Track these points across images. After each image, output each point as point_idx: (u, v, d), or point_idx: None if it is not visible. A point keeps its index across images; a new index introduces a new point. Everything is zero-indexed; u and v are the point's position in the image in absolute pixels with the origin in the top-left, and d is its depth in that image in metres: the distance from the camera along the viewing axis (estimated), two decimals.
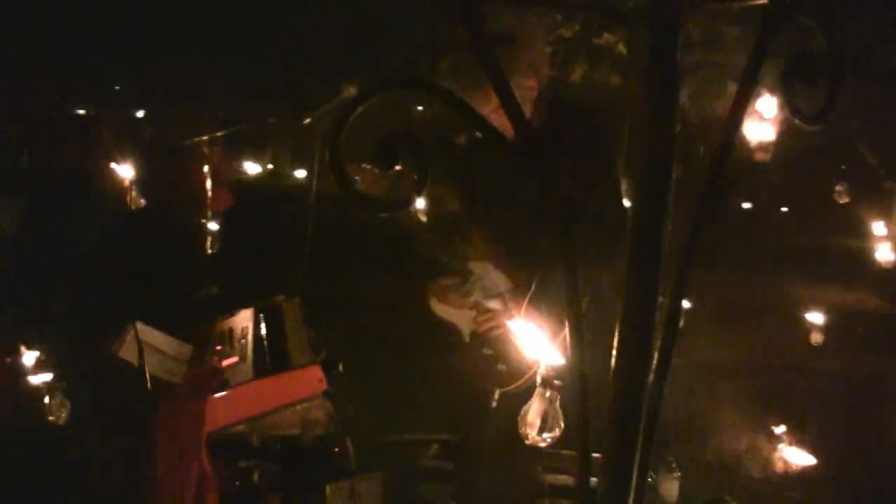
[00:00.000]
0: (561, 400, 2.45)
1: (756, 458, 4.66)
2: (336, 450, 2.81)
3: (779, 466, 4.50)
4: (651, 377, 1.05)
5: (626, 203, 4.45)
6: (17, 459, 3.44)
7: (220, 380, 2.69)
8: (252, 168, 8.95)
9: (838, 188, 4.39)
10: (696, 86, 5.04)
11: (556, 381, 1.48)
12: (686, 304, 5.69)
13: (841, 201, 4.43)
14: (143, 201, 3.68)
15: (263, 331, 3.23)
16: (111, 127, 8.03)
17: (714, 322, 6.61)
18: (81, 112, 9.47)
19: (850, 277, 5.72)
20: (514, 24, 2.78)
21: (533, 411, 1.51)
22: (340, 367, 3.63)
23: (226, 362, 2.86)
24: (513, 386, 2.84)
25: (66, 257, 7.01)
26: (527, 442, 1.51)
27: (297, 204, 5.73)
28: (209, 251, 4.75)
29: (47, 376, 2.59)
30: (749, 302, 6.51)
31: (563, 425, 1.54)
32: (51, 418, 2.56)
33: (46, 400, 2.54)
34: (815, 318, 4.57)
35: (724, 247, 6.87)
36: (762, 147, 5.30)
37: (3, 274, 4.45)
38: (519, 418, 1.52)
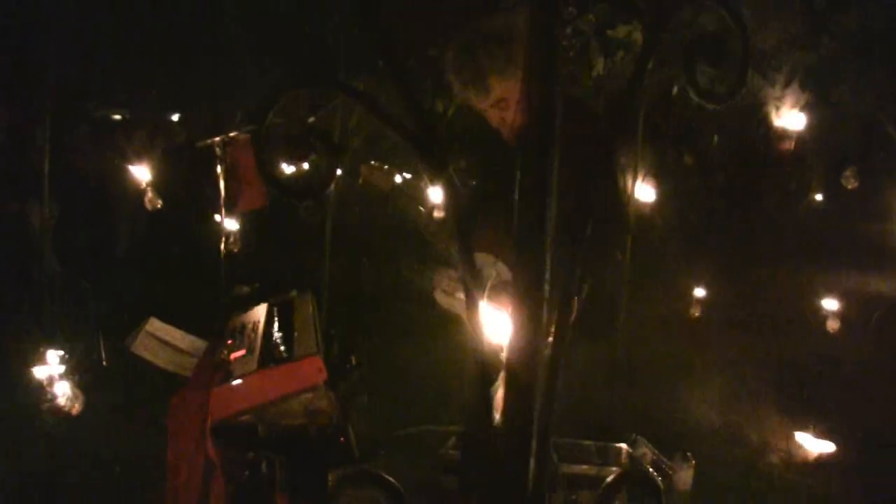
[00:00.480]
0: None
1: (776, 446, 4.64)
2: (342, 440, 2.87)
3: (799, 455, 4.49)
4: (547, 351, 1.10)
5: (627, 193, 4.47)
6: (33, 452, 3.57)
7: (226, 372, 2.77)
8: (288, 168, 9.09)
9: (847, 173, 4.35)
10: (713, 73, 4.97)
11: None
12: (701, 292, 5.70)
13: (849, 187, 4.39)
14: (159, 203, 3.76)
15: (273, 325, 3.34)
16: (143, 130, 8.24)
17: (736, 312, 6.61)
18: (117, 116, 9.70)
19: (870, 263, 5.70)
20: (513, 22, 2.81)
21: (500, 395, 1.54)
22: (354, 360, 3.72)
23: (234, 356, 2.94)
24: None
25: (96, 258, 7.22)
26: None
27: (319, 202, 5.84)
28: (232, 250, 4.85)
29: (60, 368, 2.67)
30: (770, 291, 6.50)
31: None
32: (64, 409, 2.65)
33: (59, 392, 2.62)
34: (831, 304, 4.52)
35: (747, 238, 6.90)
36: (787, 136, 5.26)
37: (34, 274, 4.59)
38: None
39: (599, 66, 5.28)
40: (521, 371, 1.10)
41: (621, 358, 5.00)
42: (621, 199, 2.99)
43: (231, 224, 4.96)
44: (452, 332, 3.24)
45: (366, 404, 3.76)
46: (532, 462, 1.10)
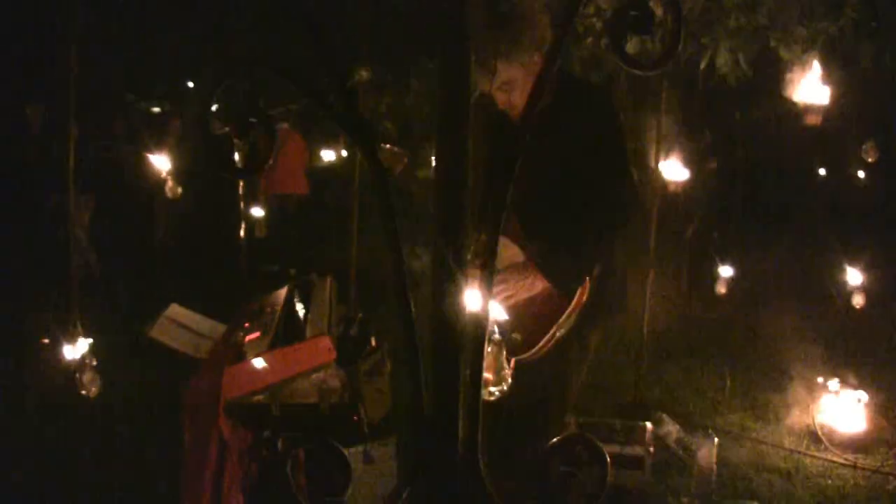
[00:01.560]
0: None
1: (804, 422, 4.61)
2: (355, 418, 2.92)
3: (829, 431, 4.45)
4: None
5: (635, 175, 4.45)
6: (54, 433, 3.69)
7: (239, 353, 2.83)
8: (328, 155, 9.18)
9: (866, 146, 4.27)
10: (735, 49, 4.94)
11: (496, 336, 1.54)
12: (727, 270, 5.65)
13: (869, 159, 4.31)
14: (180, 191, 3.83)
15: (289, 307, 3.40)
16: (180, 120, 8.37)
17: (763, 289, 6.55)
18: (156, 109, 9.84)
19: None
20: (519, 3, 2.82)
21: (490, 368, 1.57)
22: (373, 341, 3.78)
23: (249, 337, 3.00)
24: (527, 354, 2.88)
25: (133, 248, 7.37)
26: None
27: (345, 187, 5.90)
28: (259, 236, 4.95)
29: (79, 351, 2.76)
30: (796, 267, 6.43)
31: (510, 380, 1.60)
32: (83, 392, 2.73)
33: (77, 375, 2.71)
34: (856, 280, 4.46)
35: (772, 215, 6.83)
36: (815, 111, 5.17)
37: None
38: None
39: (631, 43, 5.24)
40: (446, 339, 1.12)
41: (648, 337, 4.99)
42: (632, 181, 2.97)
43: (257, 211, 5.06)
44: None
45: (384, 384, 3.83)
46: (461, 427, 1.13)
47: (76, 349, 2.77)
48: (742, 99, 5.99)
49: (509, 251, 2.97)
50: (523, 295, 2.85)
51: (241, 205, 3.94)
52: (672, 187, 5.17)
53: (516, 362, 2.96)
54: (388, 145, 3.09)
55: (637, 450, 3.98)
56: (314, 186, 8.21)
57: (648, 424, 4.14)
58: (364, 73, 3.05)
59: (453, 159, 1.13)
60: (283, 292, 3.62)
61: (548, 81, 1.16)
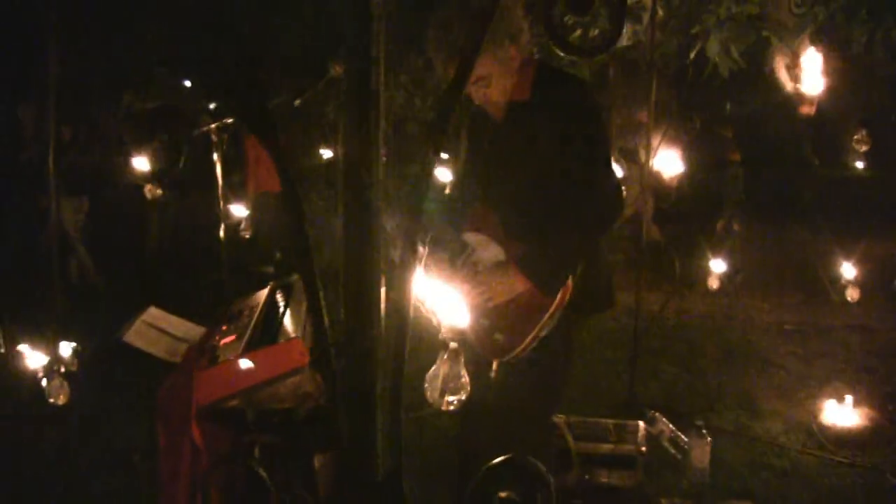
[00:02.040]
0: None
1: (802, 420, 4.54)
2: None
3: (827, 428, 4.38)
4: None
5: (617, 169, 4.37)
6: (28, 441, 3.63)
7: (212, 357, 2.76)
8: (326, 153, 9.10)
9: (857, 136, 4.19)
10: (727, 39, 4.85)
11: (452, 344, 1.47)
12: (721, 265, 5.57)
13: (861, 149, 4.22)
14: (159, 192, 3.77)
15: (267, 310, 3.32)
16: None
17: (758, 281, 6.47)
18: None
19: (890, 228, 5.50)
20: None
21: (436, 374, 1.50)
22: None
23: (224, 341, 2.93)
24: (510, 356, 2.82)
25: (127, 251, 7.31)
26: (432, 406, 1.50)
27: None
28: (243, 236, 4.86)
29: (44, 359, 2.69)
30: (796, 260, 6.35)
31: (469, 389, 1.53)
32: (50, 400, 2.67)
33: (45, 382, 2.64)
34: (849, 272, 4.37)
35: (764, 207, 6.73)
36: (809, 101, 5.10)
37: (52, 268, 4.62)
38: (425, 382, 1.51)
39: (626, 35, 5.16)
40: (358, 343, 1.05)
41: (641, 333, 4.92)
42: (614, 176, 2.88)
43: (240, 210, 4.97)
44: None
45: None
46: (379, 442, 1.06)
47: (43, 355, 2.70)
48: (734, 89, 5.91)
49: (490, 251, 2.91)
50: (503, 297, 2.79)
51: (221, 204, 3.84)
52: (664, 181, 5.10)
53: (499, 364, 2.91)
54: None
55: (629, 449, 3.92)
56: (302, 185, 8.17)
57: (641, 423, 4.07)
58: (338, 69, 2.96)
59: (362, 151, 1.06)
60: (263, 294, 3.55)
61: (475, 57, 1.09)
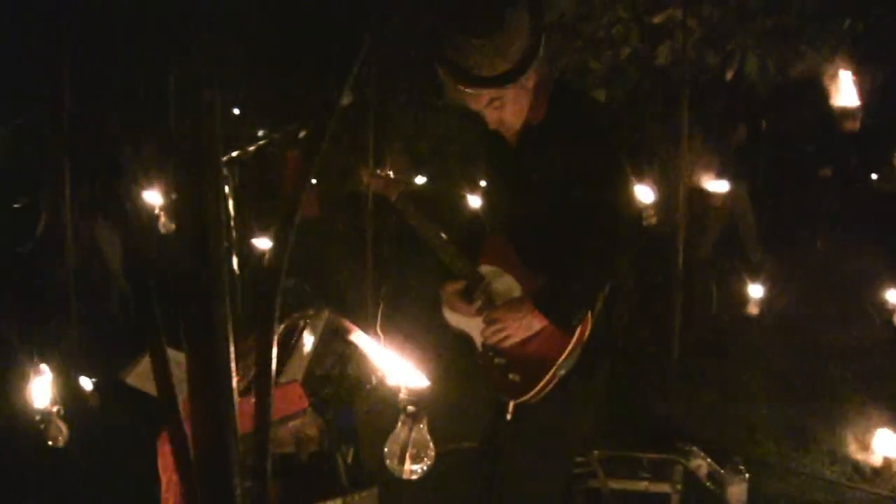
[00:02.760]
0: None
1: (847, 452, 4.30)
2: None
3: (876, 460, 4.15)
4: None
5: (648, 191, 4.19)
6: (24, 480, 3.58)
7: None
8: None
9: None
10: (764, 54, 4.66)
11: (410, 408, 1.35)
12: (759, 291, 5.35)
13: None
14: (173, 226, 3.72)
15: (280, 348, 3.24)
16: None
17: (795, 305, 6.21)
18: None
19: None
20: (501, 15, 2.61)
21: (398, 441, 1.39)
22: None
23: None
24: (526, 397, 2.68)
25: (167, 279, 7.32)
26: (394, 474, 1.39)
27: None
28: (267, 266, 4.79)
29: (43, 401, 2.65)
30: (830, 281, 6.10)
31: (432, 454, 1.41)
32: (49, 443, 2.62)
33: (44, 426, 2.60)
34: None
35: (803, 227, 6.51)
36: (850, 115, 4.88)
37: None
38: (385, 447, 1.40)
39: (663, 53, 5.02)
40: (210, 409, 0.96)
41: (676, 362, 4.76)
42: (630, 203, 2.72)
43: (263, 243, 4.92)
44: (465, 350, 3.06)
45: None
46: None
47: (45, 395, 2.66)
48: (772, 105, 5.71)
49: (505, 283, 2.78)
50: (520, 335, 2.65)
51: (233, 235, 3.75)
52: (701, 199, 4.93)
53: (516, 405, 2.78)
54: (382, 172, 2.93)
55: (664, 487, 3.76)
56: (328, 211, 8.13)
57: (678, 458, 3.90)
58: (346, 98, 2.86)
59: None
60: (281, 328, 3.47)
61: None
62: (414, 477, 1.41)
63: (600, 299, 2.70)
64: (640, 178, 4.15)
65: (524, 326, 2.63)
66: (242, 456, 2.38)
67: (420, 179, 9.02)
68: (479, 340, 2.81)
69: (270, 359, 1.09)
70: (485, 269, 2.84)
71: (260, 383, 1.10)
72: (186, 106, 0.98)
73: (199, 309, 1.00)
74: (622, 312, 2.88)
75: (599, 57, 4.96)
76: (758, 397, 5.07)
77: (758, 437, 4.61)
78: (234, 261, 3.83)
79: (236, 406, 1.00)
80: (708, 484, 4.02)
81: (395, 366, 1.38)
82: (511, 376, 2.71)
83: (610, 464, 3.83)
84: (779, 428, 4.70)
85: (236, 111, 7.62)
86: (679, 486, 3.75)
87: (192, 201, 1.00)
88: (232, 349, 1.05)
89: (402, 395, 1.37)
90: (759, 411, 4.89)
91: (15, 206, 6.75)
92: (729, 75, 4.86)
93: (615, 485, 3.76)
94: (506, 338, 2.67)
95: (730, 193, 5.75)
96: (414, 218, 2.85)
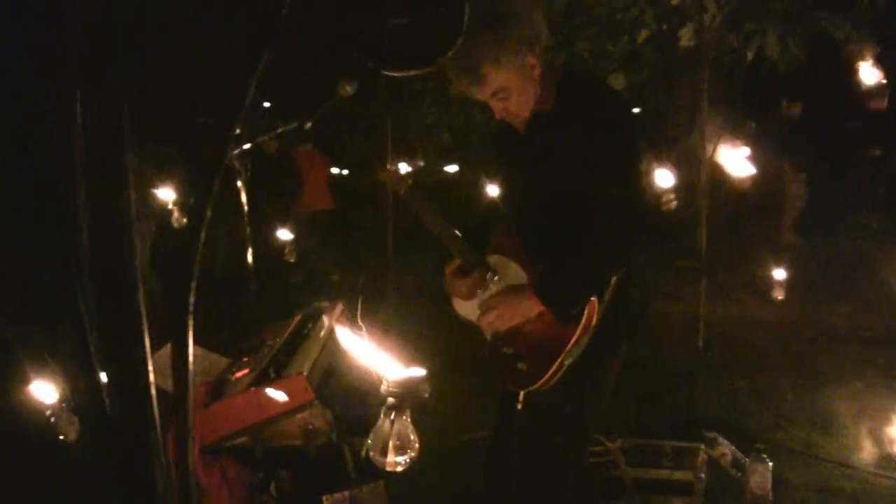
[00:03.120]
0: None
1: (876, 438, 4.20)
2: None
3: None
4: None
5: (669, 174, 4.11)
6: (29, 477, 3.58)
7: (217, 393, 2.69)
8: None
9: None
10: (784, 34, 4.54)
11: (391, 399, 1.33)
12: (782, 273, 5.23)
13: None
14: (185, 220, 3.71)
15: (285, 341, 3.22)
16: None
17: (827, 290, 6.09)
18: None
19: None
20: (506, 4, 2.56)
21: (380, 433, 1.36)
22: None
23: (237, 375, 2.86)
24: (535, 386, 2.64)
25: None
26: (383, 468, 1.36)
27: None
28: (288, 260, 4.83)
29: (51, 396, 2.66)
30: (869, 264, 5.95)
31: (416, 446, 1.38)
32: (60, 437, 2.63)
33: (53, 420, 2.61)
34: None
35: (834, 211, 6.35)
36: (878, 93, 4.75)
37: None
38: (368, 439, 1.37)
39: (687, 35, 4.92)
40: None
41: (703, 348, 4.67)
42: (639, 194, 2.66)
43: (285, 234, 4.94)
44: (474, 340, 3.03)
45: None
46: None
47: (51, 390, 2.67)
48: (794, 85, 5.57)
49: (512, 274, 2.74)
50: (516, 319, 2.61)
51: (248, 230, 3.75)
52: (723, 182, 4.83)
53: (526, 395, 2.74)
54: (391, 167, 2.90)
55: (687, 475, 3.70)
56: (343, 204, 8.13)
57: (701, 446, 3.84)
58: (349, 88, 2.83)
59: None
60: (291, 322, 3.45)
61: None
62: (398, 469, 1.39)
63: (610, 287, 2.64)
64: (661, 163, 4.10)
65: (520, 311, 2.59)
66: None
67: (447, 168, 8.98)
68: (487, 331, 2.77)
69: (186, 329, 1.08)
70: (493, 259, 2.80)
71: (175, 356, 1.10)
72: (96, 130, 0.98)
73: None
74: (635, 300, 2.80)
75: (617, 40, 4.89)
76: (785, 384, 4.97)
77: (784, 423, 4.53)
78: (249, 253, 3.86)
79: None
80: (732, 472, 3.96)
81: (376, 357, 1.35)
82: (519, 366, 2.67)
83: (632, 452, 3.79)
84: (805, 415, 4.61)
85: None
86: (702, 475, 3.69)
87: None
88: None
89: (384, 387, 1.35)
90: (786, 397, 4.80)
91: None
92: (749, 56, 4.75)
93: (636, 473, 3.72)
94: (499, 322, 2.63)
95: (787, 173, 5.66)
96: (422, 211, 2.81)
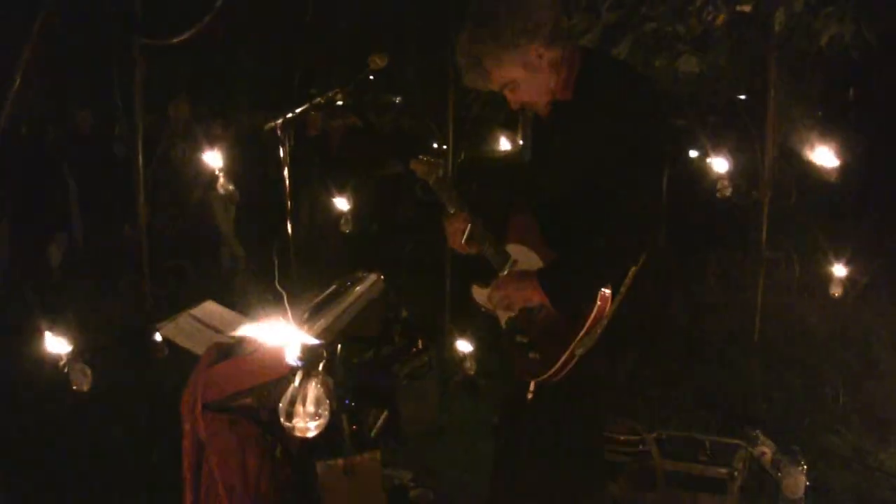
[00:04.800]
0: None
1: None
2: (353, 427, 2.79)
3: None
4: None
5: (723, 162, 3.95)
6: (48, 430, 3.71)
7: (225, 352, 2.76)
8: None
9: None
10: (857, 18, 4.31)
11: (296, 364, 1.34)
12: (841, 270, 4.97)
13: None
14: (231, 187, 3.80)
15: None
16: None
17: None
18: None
19: None
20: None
21: (290, 398, 1.38)
22: (420, 344, 3.62)
23: None
24: (545, 376, 2.61)
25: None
26: (294, 433, 1.38)
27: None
28: (344, 231, 4.90)
29: (67, 347, 2.76)
30: None
31: (328, 410, 1.39)
32: (74, 387, 2.73)
33: (66, 370, 2.71)
34: None
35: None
36: None
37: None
38: (279, 407, 1.39)
39: (779, 18, 4.74)
40: None
41: (757, 343, 4.54)
42: (656, 190, 2.59)
43: (342, 204, 4.99)
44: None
45: (429, 389, 3.64)
46: None
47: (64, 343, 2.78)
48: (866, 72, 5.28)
49: (531, 262, 2.70)
50: (519, 304, 2.59)
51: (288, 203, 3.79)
52: (786, 175, 4.66)
53: (537, 384, 2.71)
54: (423, 156, 2.91)
55: (721, 472, 3.60)
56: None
57: (741, 443, 3.73)
58: (378, 61, 2.82)
59: None
60: (331, 288, 3.50)
61: None
62: (309, 434, 1.40)
63: (625, 282, 2.57)
64: (717, 150, 3.98)
65: (522, 297, 2.56)
66: None
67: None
68: (503, 317, 2.76)
69: None
70: (512, 248, 2.77)
71: None
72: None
73: None
74: (653, 295, 2.73)
75: (687, 22, 4.71)
76: (841, 385, 4.77)
77: (835, 426, 4.35)
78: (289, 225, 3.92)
79: None
80: (772, 472, 3.83)
81: (286, 325, 1.37)
82: (532, 355, 2.65)
83: (669, 444, 3.71)
84: (860, 419, 4.41)
85: None
86: (737, 472, 3.58)
87: None
88: None
89: (295, 353, 1.36)
90: (840, 399, 4.60)
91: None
92: (824, 41, 4.53)
93: (671, 466, 3.64)
94: (505, 302, 2.62)
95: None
96: (450, 201, 2.81)
